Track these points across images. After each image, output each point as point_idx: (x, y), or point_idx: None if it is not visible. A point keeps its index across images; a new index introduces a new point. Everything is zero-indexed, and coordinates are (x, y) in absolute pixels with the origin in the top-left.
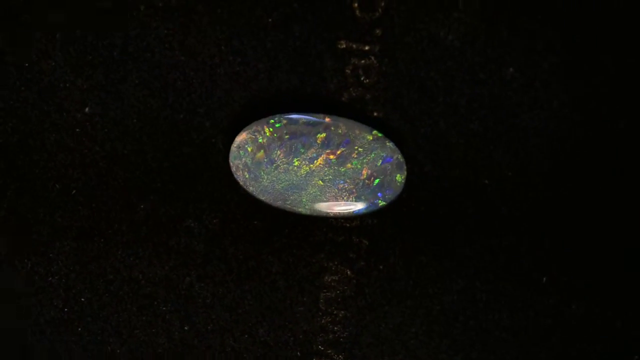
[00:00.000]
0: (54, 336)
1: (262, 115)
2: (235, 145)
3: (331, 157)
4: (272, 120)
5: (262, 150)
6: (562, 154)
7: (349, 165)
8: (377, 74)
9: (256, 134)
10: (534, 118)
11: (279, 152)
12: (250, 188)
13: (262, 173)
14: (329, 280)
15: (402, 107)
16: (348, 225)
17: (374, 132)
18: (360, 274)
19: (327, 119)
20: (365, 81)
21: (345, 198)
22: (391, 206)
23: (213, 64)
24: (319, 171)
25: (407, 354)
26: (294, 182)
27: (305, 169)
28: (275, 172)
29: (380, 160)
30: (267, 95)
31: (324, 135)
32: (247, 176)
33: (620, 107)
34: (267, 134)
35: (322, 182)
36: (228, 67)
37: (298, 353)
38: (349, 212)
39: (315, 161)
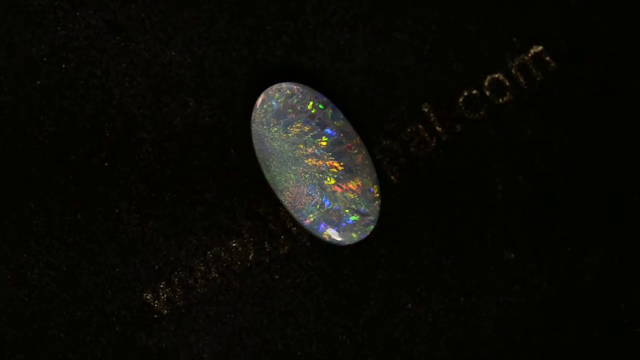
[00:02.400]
0: None
1: (320, 89)
2: (278, 86)
3: (332, 169)
4: (322, 101)
5: (290, 111)
6: None
7: (335, 186)
8: (424, 154)
9: (302, 96)
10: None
11: (298, 125)
12: (254, 125)
13: (273, 125)
14: (233, 245)
15: (413, 199)
16: (288, 224)
17: (376, 187)
18: (256, 265)
19: (356, 141)
20: (410, 148)
21: (305, 204)
22: (328, 247)
23: (329, 21)
24: (311, 168)
25: (211, 350)
26: (285, 155)
27: (301, 155)
28: (283, 135)
29: (357, 210)
30: (338, 81)
31: (342, 149)
32: (261, 116)
33: None
34: (308, 106)
35: (303, 176)
36: (336, 35)
37: (156, 267)
38: (297, 217)
39: (317, 160)
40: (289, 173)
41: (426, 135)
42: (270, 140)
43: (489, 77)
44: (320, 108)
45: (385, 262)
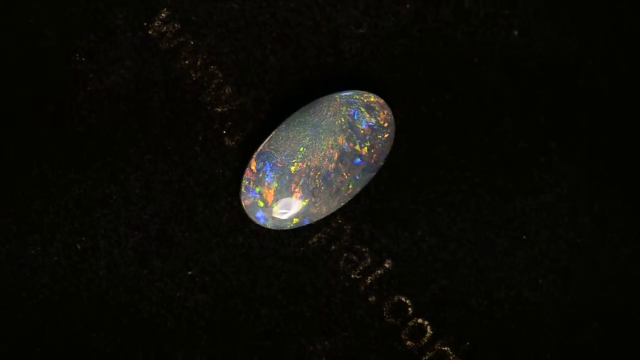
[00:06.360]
0: None
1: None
2: (385, 106)
3: (312, 179)
4: (382, 155)
5: (364, 122)
6: None
7: (295, 182)
8: (347, 275)
9: (383, 136)
10: None
11: (351, 134)
12: (342, 89)
13: (347, 110)
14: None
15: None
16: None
17: (296, 221)
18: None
19: (349, 192)
20: (352, 259)
21: (271, 154)
22: (236, 194)
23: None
24: (313, 154)
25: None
26: (317, 124)
27: (324, 140)
28: (338, 120)
29: (279, 209)
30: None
31: (339, 184)
32: (355, 98)
33: None
34: (372, 144)
35: (302, 148)
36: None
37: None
38: (255, 155)
39: (320, 160)
40: (300, 133)
41: (364, 267)
42: (329, 108)
43: (429, 334)
44: (373, 154)
45: (245, 247)
